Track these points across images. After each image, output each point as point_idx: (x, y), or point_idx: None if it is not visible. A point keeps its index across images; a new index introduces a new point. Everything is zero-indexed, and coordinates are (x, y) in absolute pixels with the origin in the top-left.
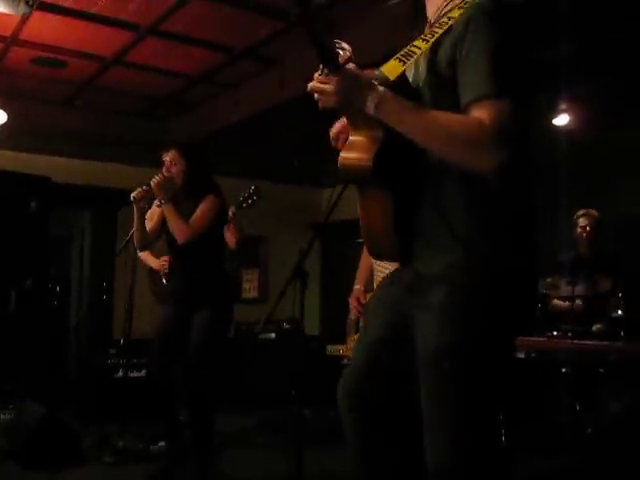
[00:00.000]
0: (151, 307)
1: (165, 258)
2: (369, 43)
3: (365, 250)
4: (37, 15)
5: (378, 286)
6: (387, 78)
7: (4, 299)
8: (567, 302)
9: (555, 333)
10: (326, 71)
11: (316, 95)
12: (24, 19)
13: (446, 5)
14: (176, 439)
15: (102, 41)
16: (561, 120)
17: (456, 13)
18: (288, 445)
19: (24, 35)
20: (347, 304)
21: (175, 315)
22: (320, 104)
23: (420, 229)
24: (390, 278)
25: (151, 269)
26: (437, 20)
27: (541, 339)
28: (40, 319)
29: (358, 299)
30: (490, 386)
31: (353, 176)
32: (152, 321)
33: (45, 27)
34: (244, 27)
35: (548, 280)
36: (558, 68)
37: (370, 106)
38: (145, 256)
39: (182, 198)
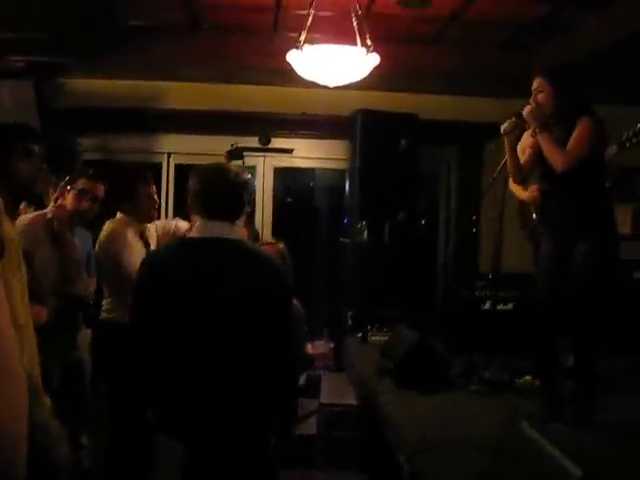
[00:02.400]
0: (520, 242)
1: (534, 187)
2: None
3: None
4: None
5: None
6: None
7: (380, 230)
8: None
9: None
10: None
11: None
12: None
13: None
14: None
15: None
16: None
17: None
18: None
19: None
20: None
21: (554, 250)
22: None
23: None
24: None
25: (521, 202)
26: None
27: None
28: (410, 251)
29: None
30: None
31: None
32: (521, 256)
33: None
34: None
35: None
36: None
37: None
38: (515, 188)
39: (555, 125)
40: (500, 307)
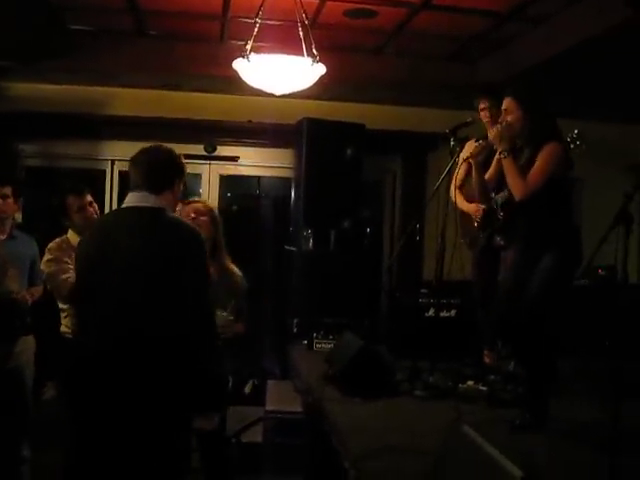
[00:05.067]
0: (462, 250)
1: (480, 207)
2: None
3: None
4: None
5: None
6: None
7: (325, 238)
8: None
9: None
10: None
11: None
12: None
13: None
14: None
15: None
16: None
17: None
18: (603, 396)
19: None
20: None
21: (520, 263)
22: None
23: None
24: None
25: (462, 213)
26: None
27: None
28: (356, 259)
29: None
30: None
31: None
32: (463, 264)
33: None
34: None
35: None
36: None
37: None
38: (458, 199)
39: (521, 148)
40: (443, 314)
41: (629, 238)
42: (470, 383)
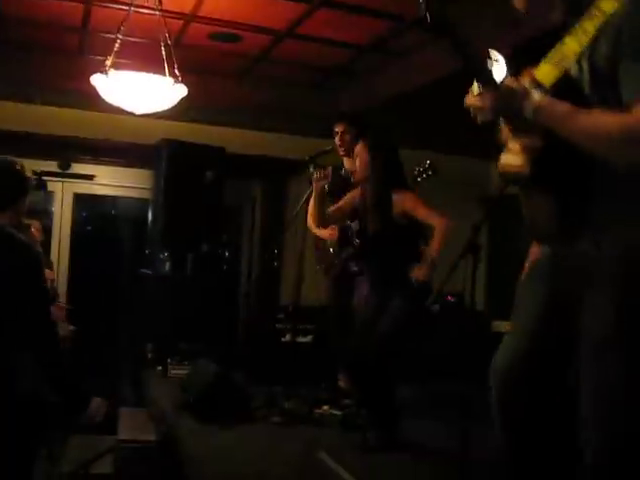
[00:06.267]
0: (319, 275)
1: (334, 231)
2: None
3: None
4: None
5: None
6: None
7: (182, 262)
8: None
9: None
10: (480, 86)
11: (472, 110)
12: None
13: None
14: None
15: (276, 14)
16: None
17: (607, 5)
18: (450, 420)
19: (202, 12)
20: (515, 280)
21: (374, 303)
22: (478, 119)
23: (588, 216)
24: (546, 257)
25: (317, 237)
26: (582, 10)
27: None
28: (214, 283)
29: None
30: None
31: (512, 180)
32: (319, 289)
33: (222, 3)
34: None
35: None
36: None
37: (528, 115)
38: (313, 226)
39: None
40: (300, 339)
41: (477, 267)
42: (325, 408)
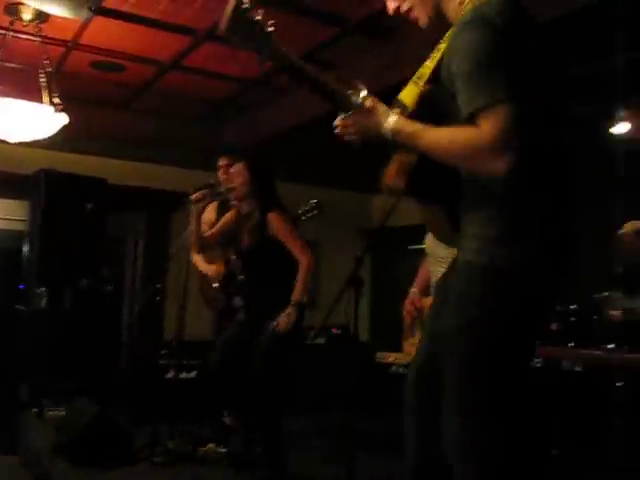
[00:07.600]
0: (203, 310)
1: (218, 266)
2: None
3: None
4: (97, 20)
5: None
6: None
7: (59, 297)
8: (622, 313)
9: (610, 346)
10: (342, 113)
11: (340, 132)
12: (85, 24)
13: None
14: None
15: (160, 46)
16: (620, 129)
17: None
18: (338, 451)
19: (84, 39)
20: (398, 312)
21: (246, 325)
22: (345, 139)
23: (461, 227)
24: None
25: (201, 273)
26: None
27: (596, 352)
28: (93, 319)
29: (413, 302)
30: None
31: (392, 193)
32: (203, 324)
33: (105, 31)
34: (301, 33)
35: (604, 294)
36: (617, 76)
37: (387, 135)
38: (197, 260)
39: (248, 208)
40: (183, 375)
41: (360, 299)
42: (211, 445)
